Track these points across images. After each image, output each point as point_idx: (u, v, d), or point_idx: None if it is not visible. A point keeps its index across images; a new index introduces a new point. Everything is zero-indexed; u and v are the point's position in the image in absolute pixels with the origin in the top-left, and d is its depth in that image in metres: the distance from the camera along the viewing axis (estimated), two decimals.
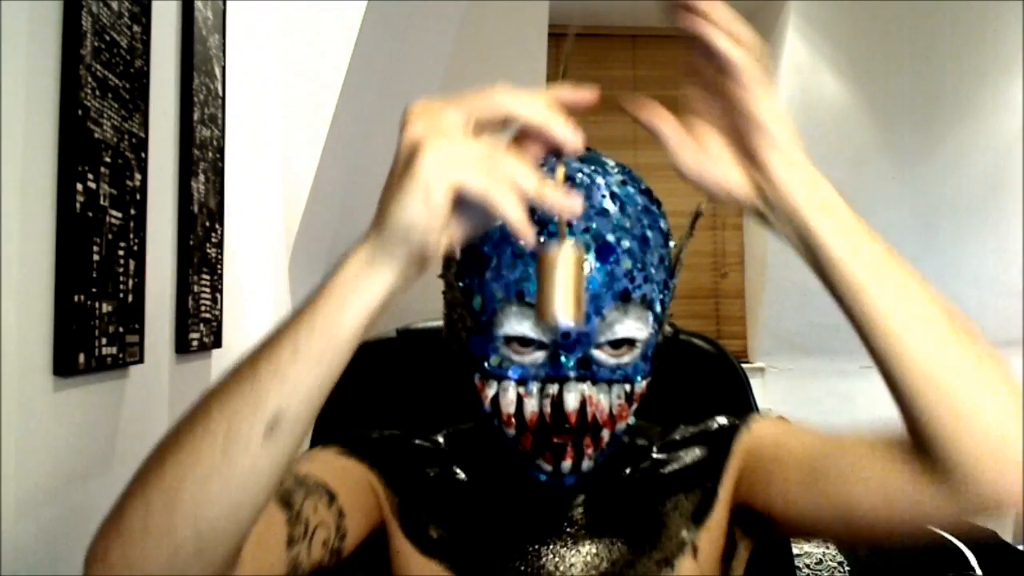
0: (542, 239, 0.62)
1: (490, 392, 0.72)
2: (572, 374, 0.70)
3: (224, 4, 1.44)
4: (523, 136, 0.53)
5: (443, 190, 0.48)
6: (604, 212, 0.70)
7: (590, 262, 0.69)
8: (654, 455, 0.82)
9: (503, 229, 0.70)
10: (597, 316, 0.69)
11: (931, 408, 0.59)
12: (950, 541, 2.22)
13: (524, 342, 0.70)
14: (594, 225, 0.70)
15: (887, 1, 2.85)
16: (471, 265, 0.73)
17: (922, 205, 3.05)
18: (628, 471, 0.81)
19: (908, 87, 2.99)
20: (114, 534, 0.52)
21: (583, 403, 0.70)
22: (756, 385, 0.84)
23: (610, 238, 0.70)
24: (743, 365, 1.12)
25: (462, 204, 0.50)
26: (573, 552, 0.76)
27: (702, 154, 0.60)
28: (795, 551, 2.18)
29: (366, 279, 0.51)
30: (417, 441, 0.83)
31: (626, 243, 0.70)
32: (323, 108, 1.84)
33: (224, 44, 1.44)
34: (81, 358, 0.86)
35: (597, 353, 0.71)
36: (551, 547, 0.76)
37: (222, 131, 1.42)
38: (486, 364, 0.72)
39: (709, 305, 3.42)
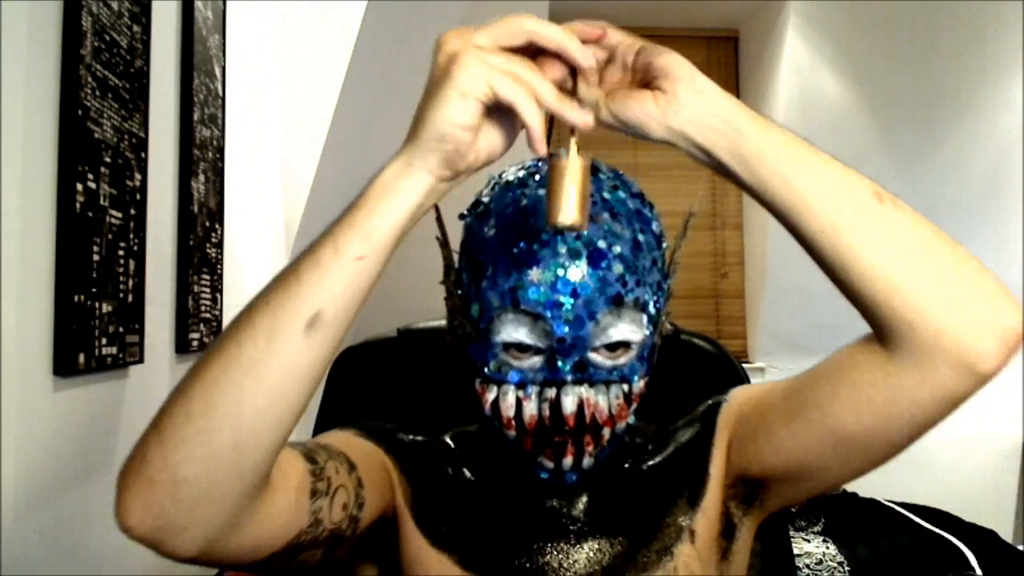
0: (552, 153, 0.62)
1: (490, 396, 0.73)
2: (569, 378, 0.71)
3: (224, 4, 1.44)
4: (543, 58, 0.58)
5: (478, 91, 0.53)
6: (595, 219, 0.71)
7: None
8: (651, 450, 0.83)
9: (497, 236, 0.72)
10: (591, 320, 0.70)
11: (879, 288, 0.62)
12: (950, 541, 2.22)
13: (521, 348, 0.71)
14: (585, 232, 0.70)
15: (887, 1, 2.85)
16: (468, 274, 0.75)
17: (922, 205, 3.00)
18: (627, 466, 0.82)
19: (908, 87, 2.99)
20: (154, 440, 0.54)
21: (580, 405, 0.71)
22: None
23: (601, 244, 0.71)
24: (743, 365, 1.12)
25: (489, 118, 0.56)
26: (576, 548, 0.77)
27: (609, 94, 0.64)
28: (795, 551, 2.18)
29: (405, 179, 0.56)
30: (426, 439, 0.84)
31: (617, 248, 0.71)
32: (323, 108, 1.84)
33: (224, 44, 1.44)
34: (81, 358, 0.86)
35: (593, 356, 0.72)
36: (555, 544, 0.77)
37: (222, 131, 1.42)
38: (485, 369, 0.73)
39: (709, 305, 3.41)
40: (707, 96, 0.62)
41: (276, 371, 0.54)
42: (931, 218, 0.68)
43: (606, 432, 0.73)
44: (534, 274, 0.70)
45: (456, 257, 0.78)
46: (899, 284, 0.62)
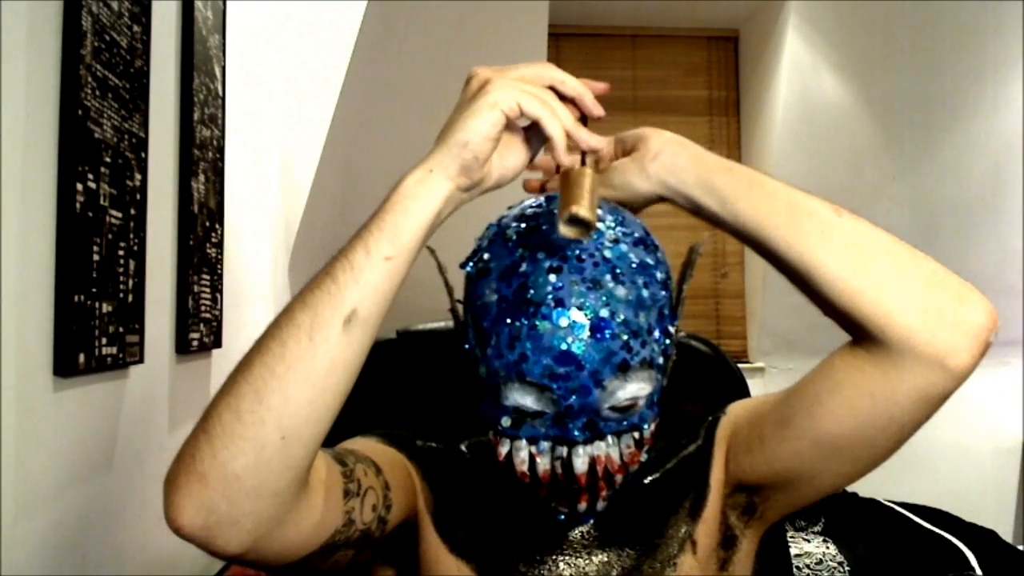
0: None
1: (503, 449, 0.74)
2: (580, 437, 0.71)
3: (224, 4, 1.44)
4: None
5: (506, 105, 0.60)
6: (596, 284, 0.70)
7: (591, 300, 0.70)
8: (655, 463, 0.84)
9: (499, 306, 0.71)
10: (597, 388, 0.70)
11: (845, 293, 0.67)
12: (950, 541, 2.22)
13: (530, 413, 0.72)
14: (587, 301, 0.69)
15: (887, 1, 2.84)
16: (474, 335, 0.74)
17: (922, 205, 3.05)
18: (636, 482, 0.82)
19: (908, 87, 2.98)
20: (203, 437, 0.57)
21: (592, 464, 0.72)
22: (756, 385, 0.85)
23: (604, 313, 0.69)
24: (743, 365, 1.13)
25: (508, 138, 0.64)
26: (587, 561, 0.78)
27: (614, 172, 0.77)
28: (795, 551, 2.19)
29: (425, 184, 0.61)
30: (442, 446, 0.85)
31: (621, 315, 0.70)
32: (323, 108, 1.84)
33: (224, 44, 1.44)
34: (81, 358, 0.86)
35: (603, 414, 0.72)
36: (567, 557, 0.78)
37: (222, 131, 1.42)
38: (499, 425, 0.74)
39: (709, 305, 3.41)
40: (676, 143, 0.74)
41: (319, 366, 0.58)
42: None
43: (619, 478, 0.74)
44: (537, 349, 0.69)
45: (461, 308, 0.78)
46: (863, 287, 0.67)
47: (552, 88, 0.65)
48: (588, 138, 0.65)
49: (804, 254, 0.68)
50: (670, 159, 0.73)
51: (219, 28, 1.40)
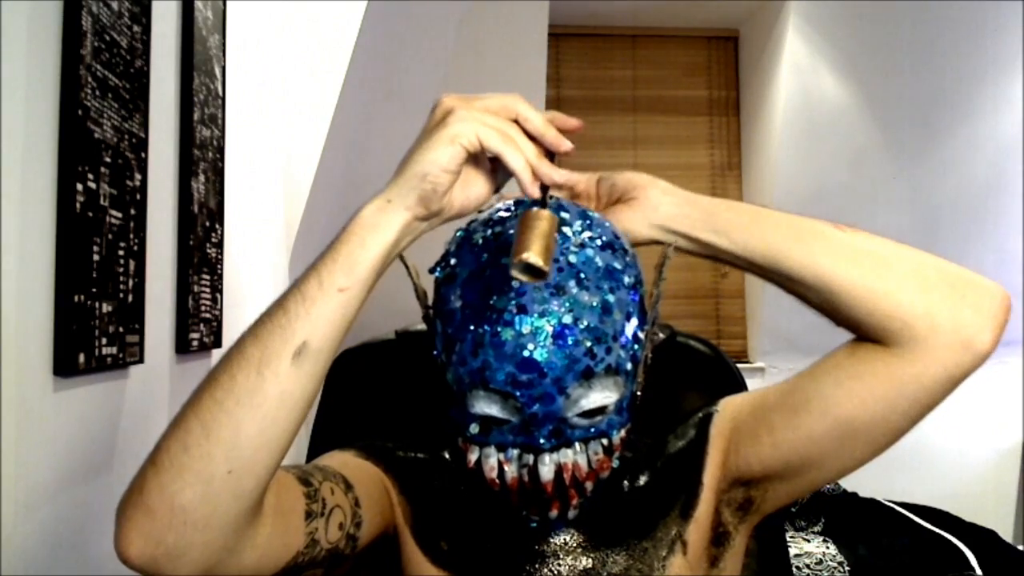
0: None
1: (472, 456, 0.74)
2: (546, 444, 0.71)
3: (224, 4, 1.44)
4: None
5: (465, 139, 0.60)
6: (559, 290, 0.70)
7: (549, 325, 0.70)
8: (643, 465, 0.83)
9: (463, 312, 0.71)
10: (561, 395, 0.70)
11: (864, 299, 0.70)
12: (950, 541, 2.22)
13: (496, 420, 0.72)
14: (550, 308, 0.69)
15: (887, 1, 2.84)
16: (442, 343, 0.75)
17: (922, 205, 3.05)
18: (624, 484, 0.82)
19: (908, 87, 2.98)
20: (151, 470, 0.57)
21: (559, 471, 0.72)
22: (756, 385, 0.85)
23: (567, 319, 0.69)
24: (743, 365, 1.13)
25: (469, 171, 0.63)
26: (572, 568, 0.78)
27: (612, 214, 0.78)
28: (795, 551, 2.19)
29: (384, 215, 0.61)
30: (424, 455, 0.84)
31: (584, 321, 0.69)
32: (323, 108, 1.84)
33: (224, 44, 1.44)
34: (81, 358, 0.86)
35: (569, 421, 0.72)
36: (551, 562, 0.78)
37: (222, 131, 1.42)
38: (467, 431, 0.74)
39: (709, 305, 3.41)
40: (674, 193, 0.77)
41: (268, 399, 0.57)
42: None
43: (588, 485, 0.74)
44: (499, 356, 0.69)
45: (431, 314, 0.78)
46: (886, 290, 0.69)
47: (518, 122, 0.63)
48: (550, 172, 0.63)
49: (821, 270, 0.71)
50: (673, 209, 0.76)
51: (219, 28, 1.40)
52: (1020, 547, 2.63)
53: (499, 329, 0.69)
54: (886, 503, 2.52)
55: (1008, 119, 3.01)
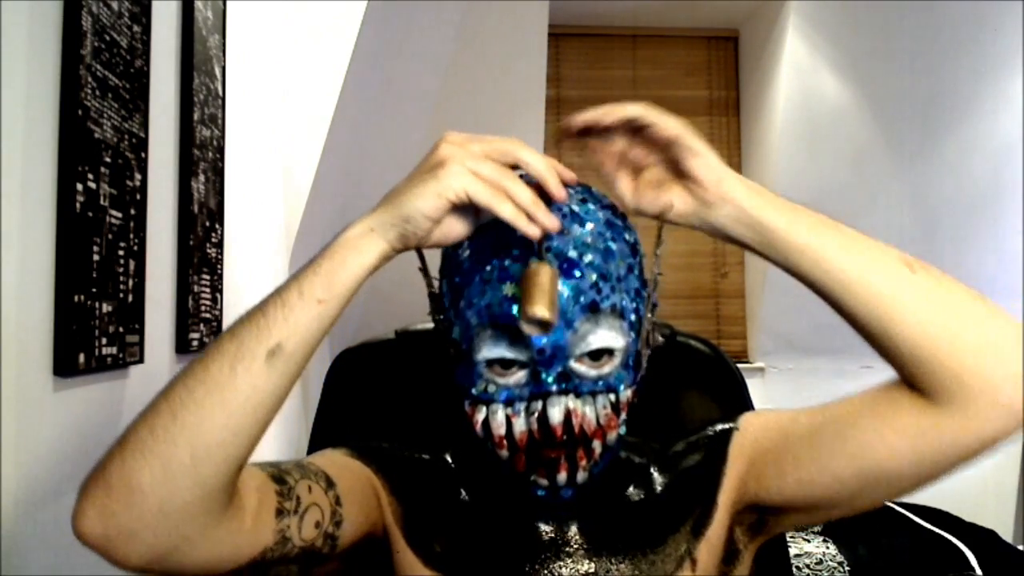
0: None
1: (480, 417, 0.74)
2: (554, 388, 0.71)
3: (224, 4, 1.44)
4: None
5: (453, 194, 0.62)
6: (564, 231, 0.72)
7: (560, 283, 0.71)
8: (653, 473, 0.82)
9: (471, 258, 0.73)
10: (568, 329, 0.70)
11: (924, 347, 0.65)
12: (950, 541, 2.22)
13: (504, 363, 0.72)
14: (555, 243, 0.71)
15: (887, 1, 2.85)
16: (448, 297, 0.76)
17: (922, 205, 3.05)
18: (629, 491, 0.81)
19: (908, 87, 2.98)
20: (116, 449, 0.59)
21: (568, 416, 0.71)
22: (756, 385, 0.84)
23: (572, 254, 0.71)
24: (743, 365, 1.12)
25: (452, 213, 0.64)
26: (572, 572, 0.77)
27: (640, 183, 0.72)
28: (795, 551, 2.19)
29: (366, 242, 0.64)
30: (424, 456, 0.84)
31: (589, 256, 0.72)
32: (323, 108, 1.84)
33: (224, 44, 1.44)
34: (81, 358, 0.86)
35: (576, 366, 0.72)
36: (550, 567, 0.77)
37: (222, 131, 1.42)
38: (473, 391, 0.74)
39: (709, 305, 3.41)
40: (737, 199, 0.68)
41: (238, 393, 0.59)
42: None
43: (596, 445, 0.73)
44: (507, 289, 0.70)
45: (437, 283, 0.79)
46: (944, 341, 0.65)
47: (516, 167, 0.65)
48: (545, 219, 0.64)
49: (880, 316, 0.66)
50: (733, 216, 0.69)
51: (219, 28, 1.40)
52: (1020, 547, 2.63)
53: (506, 264, 0.71)
54: (886, 503, 2.52)
55: (1008, 119, 3.01)
